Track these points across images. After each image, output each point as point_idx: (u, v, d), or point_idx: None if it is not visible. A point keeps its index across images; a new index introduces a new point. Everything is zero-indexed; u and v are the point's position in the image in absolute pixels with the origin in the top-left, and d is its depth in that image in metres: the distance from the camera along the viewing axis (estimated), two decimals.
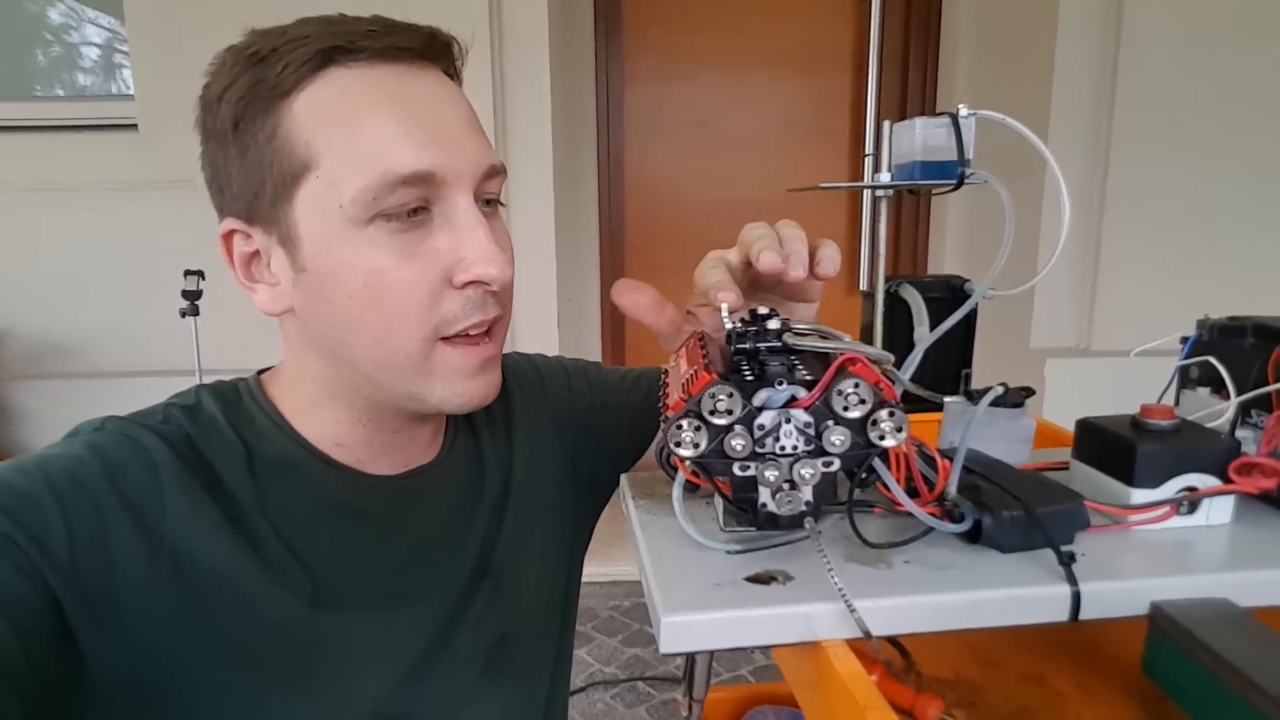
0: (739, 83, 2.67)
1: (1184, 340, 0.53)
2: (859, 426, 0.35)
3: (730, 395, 0.34)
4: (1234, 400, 0.46)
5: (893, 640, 0.37)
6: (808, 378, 0.35)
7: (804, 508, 0.35)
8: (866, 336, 0.61)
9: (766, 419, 0.34)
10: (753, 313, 0.39)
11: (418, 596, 0.53)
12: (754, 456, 0.35)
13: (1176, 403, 0.53)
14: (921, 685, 0.39)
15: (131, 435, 0.46)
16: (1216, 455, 0.39)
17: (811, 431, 0.35)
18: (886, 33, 2.59)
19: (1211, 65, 2.06)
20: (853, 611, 0.32)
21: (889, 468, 0.36)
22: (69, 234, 2.32)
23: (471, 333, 0.49)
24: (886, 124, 0.55)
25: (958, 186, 0.51)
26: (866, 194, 0.59)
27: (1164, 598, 0.34)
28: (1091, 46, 2.12)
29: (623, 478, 0.50)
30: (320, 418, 0.52)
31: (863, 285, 0.61)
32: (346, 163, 0.44)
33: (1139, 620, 0.34)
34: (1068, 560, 0.34)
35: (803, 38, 2.63)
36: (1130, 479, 0.39)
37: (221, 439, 0.49)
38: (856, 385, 0.34)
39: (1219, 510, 0.40)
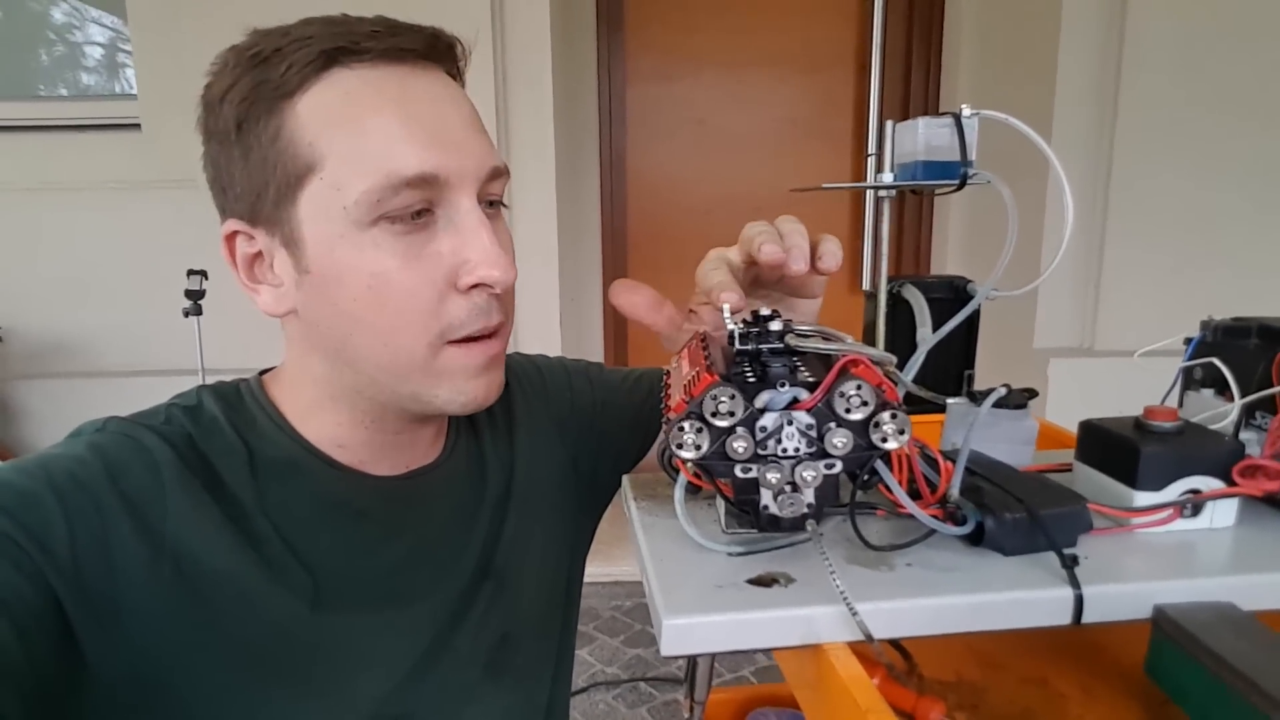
0: (741, 82, 2.67)
1: (1188, 341, 0.52)
2: (861, 428, 0.34)
3: (732, 397, 0.34)
4: (1238, 402, 0.46)
5: (895, 643, 0.37)
6: (810, 379, 0.35)
7: (806, 510, 0.35)
8: (869, 337, 0.61)
9: (768, 421, 0.34)
10: (755, 314, 0.39)
11: (419, 597, 0.53)
12: (756, 458, 0.35)
13: (1180, 404, 0.53)
14: (923, 688, 0.39)
15: (133, 436, 0.46)
16: (1220, 457, 0.39)
17: (814, 433, 0.35)
18: (889, 32, 2.59)
19: (1215, 65, 2.06)
20: (854, 614, 0.32)
21: (891, 469, 0.36)
22: (72, 233, 2.33)
23: (476, 335, 0.49)
24: (889, 124, 0.55)
25: (960, 187, 0.51)
26: (869, 194, 0.59)
27: (1167, 601, 0.34)
28: (1094, 46, 2.12)
29: (624, 479, 0.50)
30: (322, 419, 0.52)
31: (865, 285, 0.61)
32: (351, 164, 0.44)
33: (1141, 623, 0.34)
34: (1070, 563, 0.34)
35: (804, 37, 2.63)
36: (1133, 481, 0.39)
37: (223, 439, 0.49)
38: (859, 387, 0.34)
39: (1223, 513, 0.40)
